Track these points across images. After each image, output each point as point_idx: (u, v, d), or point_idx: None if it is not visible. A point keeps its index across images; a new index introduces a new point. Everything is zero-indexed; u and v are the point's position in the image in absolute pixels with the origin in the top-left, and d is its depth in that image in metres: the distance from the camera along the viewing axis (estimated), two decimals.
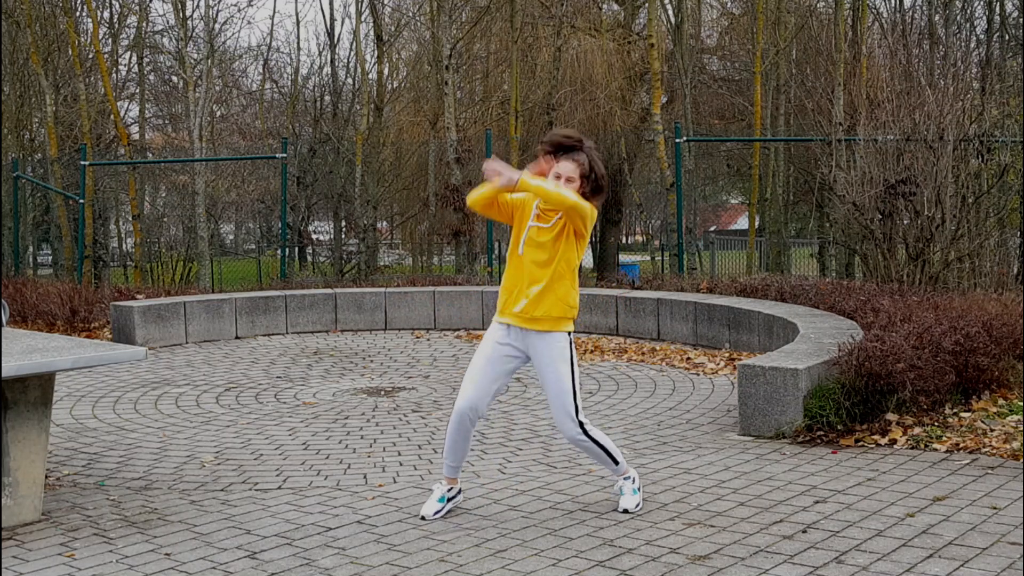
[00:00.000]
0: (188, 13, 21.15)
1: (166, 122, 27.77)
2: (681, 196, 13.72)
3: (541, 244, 4.34)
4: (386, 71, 23.48)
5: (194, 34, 21.72)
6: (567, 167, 4.32)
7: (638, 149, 23.03)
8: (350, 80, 27.80)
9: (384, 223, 26.97)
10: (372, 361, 9.05)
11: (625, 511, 4.48)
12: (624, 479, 4.56)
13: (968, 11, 22.46)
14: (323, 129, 25.24)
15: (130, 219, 21.81)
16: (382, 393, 7.53)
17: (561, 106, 20.54)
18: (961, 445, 5.42)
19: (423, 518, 4.46)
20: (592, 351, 9.26)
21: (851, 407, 5.75)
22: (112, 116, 20.43)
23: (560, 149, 4.38)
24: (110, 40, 22.74)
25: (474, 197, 4.42)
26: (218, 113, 27.07)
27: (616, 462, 4.53)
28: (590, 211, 4.28)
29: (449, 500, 4.55)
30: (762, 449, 5.57)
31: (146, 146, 26.30)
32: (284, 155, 15.03)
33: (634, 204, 27.23)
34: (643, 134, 21.34)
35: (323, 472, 5.33)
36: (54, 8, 20.45)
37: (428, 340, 10.33)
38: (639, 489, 4.59)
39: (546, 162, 4.38)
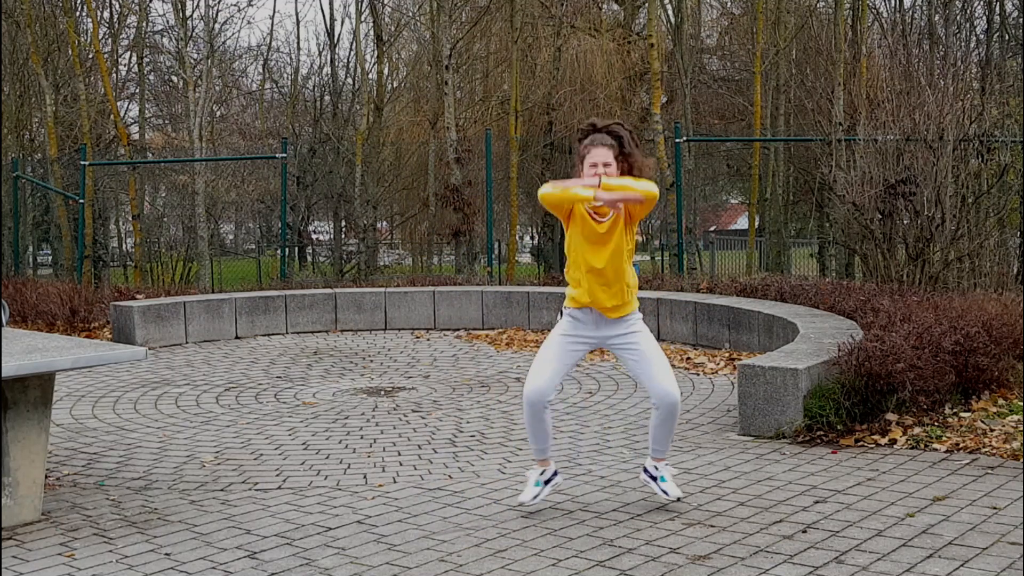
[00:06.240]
0: (188, 13, 21.19)
1: (166, 122, 27.78)
2: (681, 196, 13.73)
3: (602, 237, 4.39)
4: (386, 71, 23.50)
5: (194, 34, 21.74)
6: (601, 154, 4.34)
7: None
8: (350, 80, 27.86)
9: (384, 223, 26.96)
10: (372, 361, 9.05)
11: (679, 499, 4.55)
12: (665, 465, 4.62)
13: (968, 11, 22.48)
14: (323, 129, 25.26)
15: (130, 219, 21.81)
16: (382, 393, 7.53)
17: (561, 106, 20.54)
18: (961, 445, 5.42)
19: (522, 504, 4.49)
20: (592, 351, 9.25)
21: (851, 407, 5.75)
22: (112, 116, 20.43)
23: (590, 136, 4.42)
24: (110, 40, 22.74)
25: (550, 197, 4.37)
26: (218, 113, 27.08)
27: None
28: (656, 193, 4.28)
29: (546, 483, 4.55)
30: (762, 449, 5.57)
31: (146, 146, 26.29)
32: (284, 155, 15.02)
33: None
34: (643, 134, 21.32)
35: (323, 472, 5.33)
36: (54, 8, 20.45)
37: (428, 340, 10.33)
38: None
39: (583, 149, 4.40)
